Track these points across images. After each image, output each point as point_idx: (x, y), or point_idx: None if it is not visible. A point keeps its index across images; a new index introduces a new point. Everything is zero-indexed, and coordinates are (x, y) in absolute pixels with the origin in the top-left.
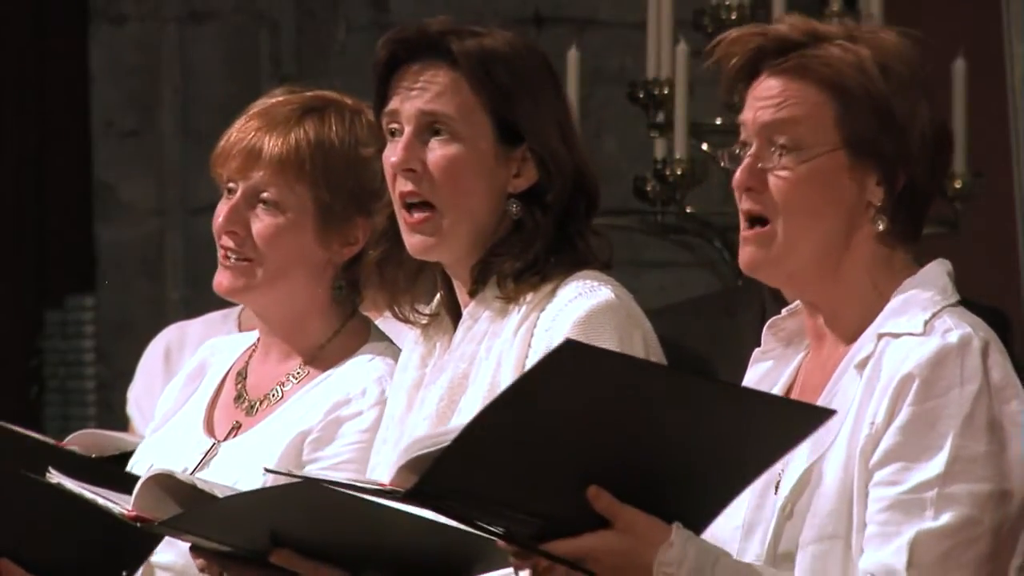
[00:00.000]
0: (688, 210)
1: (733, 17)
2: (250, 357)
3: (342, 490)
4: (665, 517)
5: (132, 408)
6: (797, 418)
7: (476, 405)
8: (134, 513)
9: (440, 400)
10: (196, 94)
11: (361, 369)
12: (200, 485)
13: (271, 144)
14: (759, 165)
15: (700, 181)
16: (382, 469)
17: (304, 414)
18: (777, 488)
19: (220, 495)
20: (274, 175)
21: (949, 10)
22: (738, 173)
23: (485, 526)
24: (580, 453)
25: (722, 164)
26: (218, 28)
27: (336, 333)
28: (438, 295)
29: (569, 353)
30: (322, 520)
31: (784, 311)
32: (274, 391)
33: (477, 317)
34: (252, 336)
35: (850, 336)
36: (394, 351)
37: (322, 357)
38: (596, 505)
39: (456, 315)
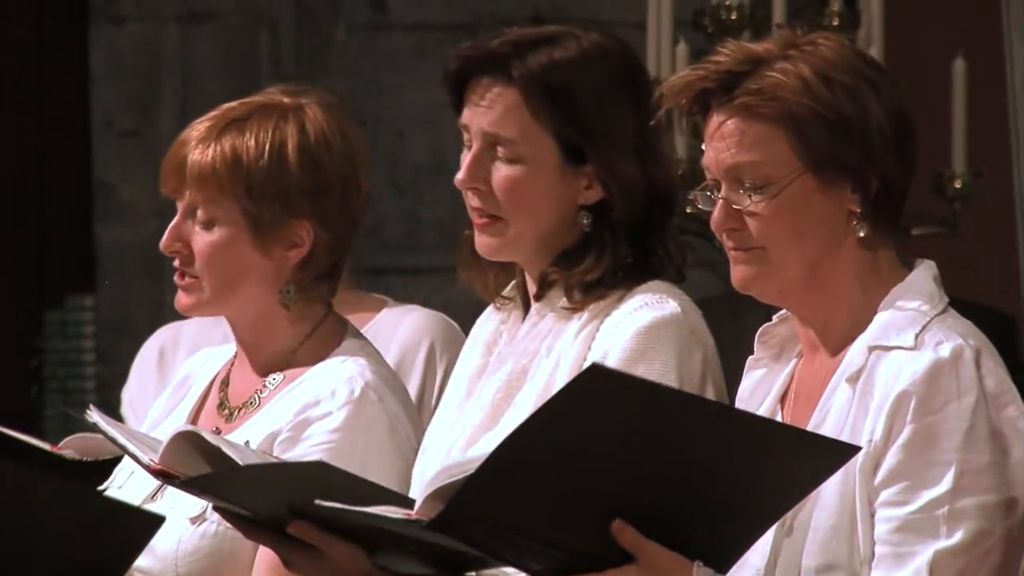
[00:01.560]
0: (688, 210)
1: (733, 17)
2: (232, 366)
3: (352, 474)
4: (687, 554)
5: (126, 409)
6: (823, 453)
7: (531, 402)
8: (159, 466)
9: (496, 392)
10: (196, 94)
11: (333, 371)
12: (225, 449)
13: (192, 162)
14: (733, 206)
15: (700, 181)
16: (432, 451)
17: (276, 417)
18: None
19: (242, 462)
20: (199, 192)
21: (949, 10)
22: (715, 215)
23: (508, 559)
24: (604, 484)
25: (698, 205)
26: (218, 28)
27: (308, 336)
28: (514, 281)
29: (595, 378)
30: (342, 499)
31: (775, 318)
32: (252, 398)
33: (543, 315)
34: (234, 348)
35: (841, 344)
36: (369, 351)
37: (296, 362)
38: (620, 540)
39: (528, 305)
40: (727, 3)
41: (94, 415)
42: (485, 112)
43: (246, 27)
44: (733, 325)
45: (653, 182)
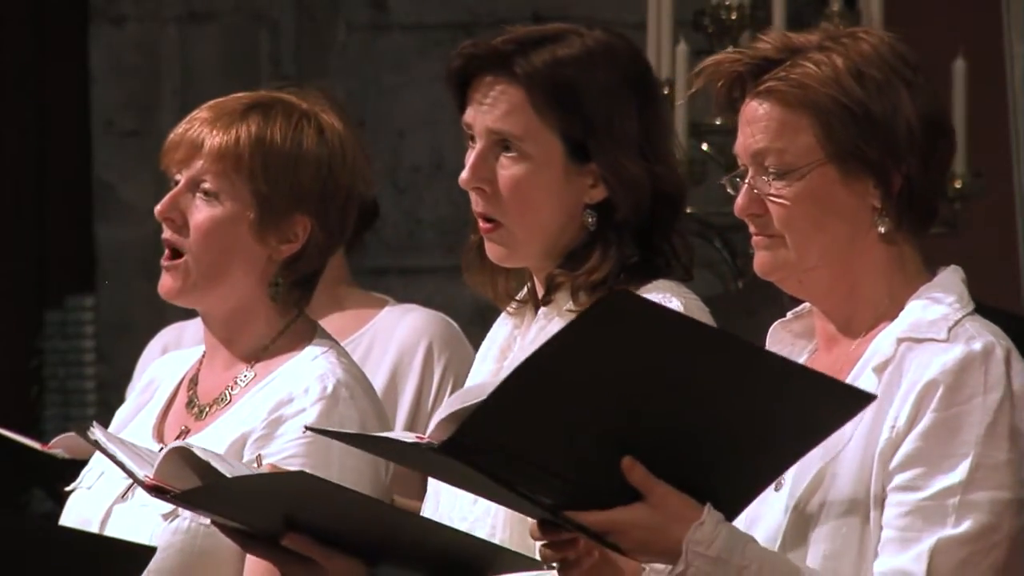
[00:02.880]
0: (688, 210)
1: (733, 17)
2: (201, 365)
3: (341, 486)
4: (697, 498)
5: None
6: (839, 399)
7: None
8: (154, 482)
9: None
10: (196, 94)
11: (304, 368)
12: (214, 463)
13: (212, 136)
14: (755, 191)
15: (700, 181)
16: None
17: (248, 415)
18: (778, 487)
19: (230, 475)
20: (213, 164)
21: (949, 10)
22: (738, 200)
23: (516, 489)
24: (618, 418)
25: (729, 191)
26: (218, 28)
27: (280, 334)
28: (527, 285)
29: (620, 303)
30: (331, 509)
31: (790, 314)
32: (223, 395)
33: (551, 319)
34: (201, 350)
35: (864, 336)
36: (339, 350)
37: (266, 359)
38: (630, 477)
39: (539, 308)
40: (727, 3)
41: (96, 432)
42: (489, 110)
43: (246, 27)
44: (747, 323)
45: (658, 181)
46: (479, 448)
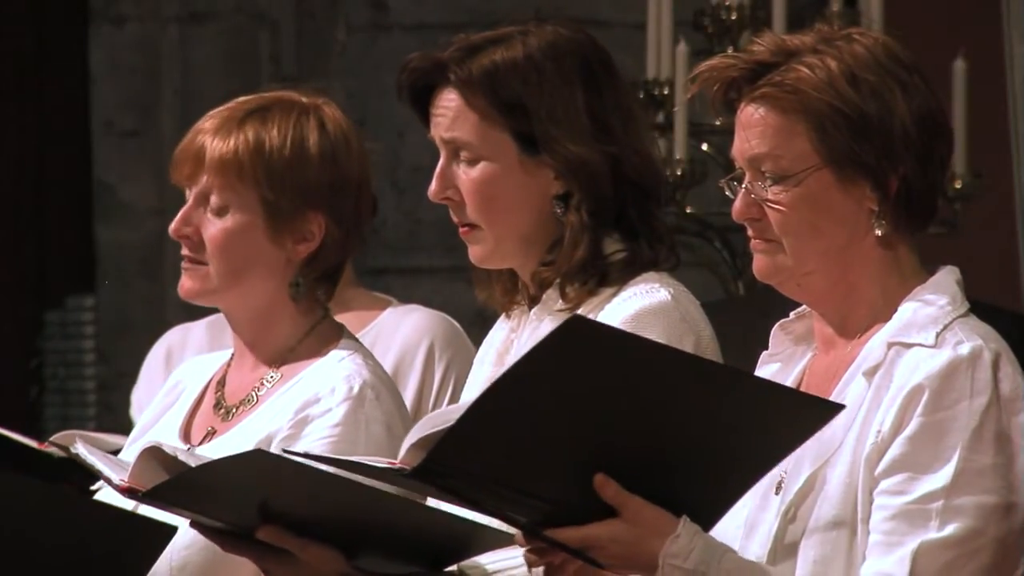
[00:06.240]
0: (688, 210)
1: (733, 17)
2: (229, 367)
3: (301, 462)
4: (672, 511)
5: (135, 411)
6: (806, 411)
7: None
8: (127, 484)
9: None
10: (196, 94)
11: (331, 369)
12: (181, 457)
13: (212, 148)
14: (752, 196)
15: (700, 181)
16: None
17: (274, 416)
18: (778, 489)
19: (194, 465)
20: (216, 178)
21: (949, 10)
22: (736, 204)
23: (492, 509)
24: (588, 437)
25: (727, 194)
26: (218, 28)
27: (306, 335)
28: (520, 287)
29: (575, 329)
30: (301, 492)
31: (792, 314)
32: (249, 396)
33: (542, 319)
34: (228, 353)
35: (858, 339)
36: (365, 352)
37: (293, 360)
38: (602, 494)
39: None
40: (727, 3)
41: (78, 446)
42: (441, 121)
43: (246, 27)
44: (762, 325)
45: (619, 164)
46: (449, 473)
